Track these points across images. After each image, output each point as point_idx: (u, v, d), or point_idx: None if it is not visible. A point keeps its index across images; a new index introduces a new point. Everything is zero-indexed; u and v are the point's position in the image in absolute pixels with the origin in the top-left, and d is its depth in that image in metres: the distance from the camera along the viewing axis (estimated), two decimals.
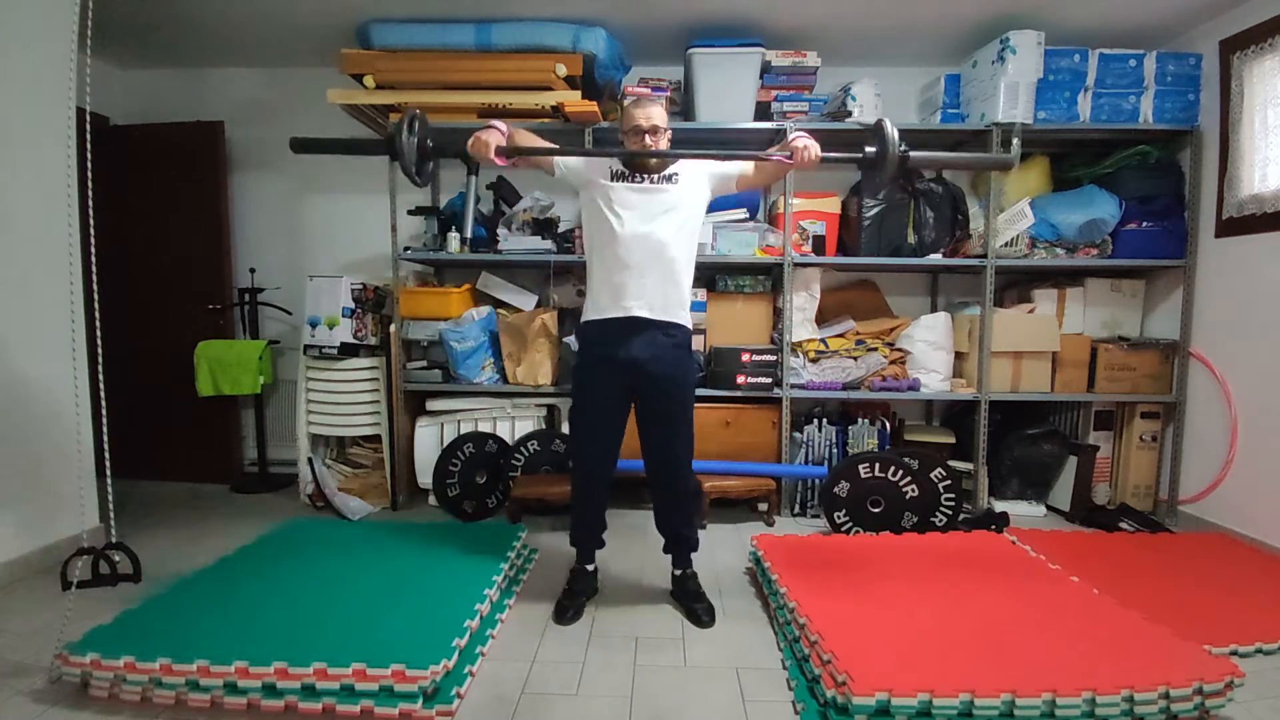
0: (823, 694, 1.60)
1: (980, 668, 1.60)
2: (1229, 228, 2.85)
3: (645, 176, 2.01)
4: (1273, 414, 2.65)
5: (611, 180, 2.01)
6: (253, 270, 3.53)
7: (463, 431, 3.16)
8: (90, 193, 2.05)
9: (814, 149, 1.92)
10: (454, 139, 1.97)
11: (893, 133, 1.82)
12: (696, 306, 3.08)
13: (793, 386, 3.07)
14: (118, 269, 3.42)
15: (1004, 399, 3.13)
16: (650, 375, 2.01)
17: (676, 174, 2.02)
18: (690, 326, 2.11)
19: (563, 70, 2.87)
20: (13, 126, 2.34)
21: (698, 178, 2.06)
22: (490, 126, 1.96)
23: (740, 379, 3.04)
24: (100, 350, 2.14)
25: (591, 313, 2.08)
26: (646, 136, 1.97)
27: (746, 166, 2.10)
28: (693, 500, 2.22)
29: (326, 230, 3.70)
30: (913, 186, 3.09)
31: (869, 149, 1.89)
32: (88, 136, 2.00)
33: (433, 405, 3.22)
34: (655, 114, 2.00)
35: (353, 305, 3.19)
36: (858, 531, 2.71)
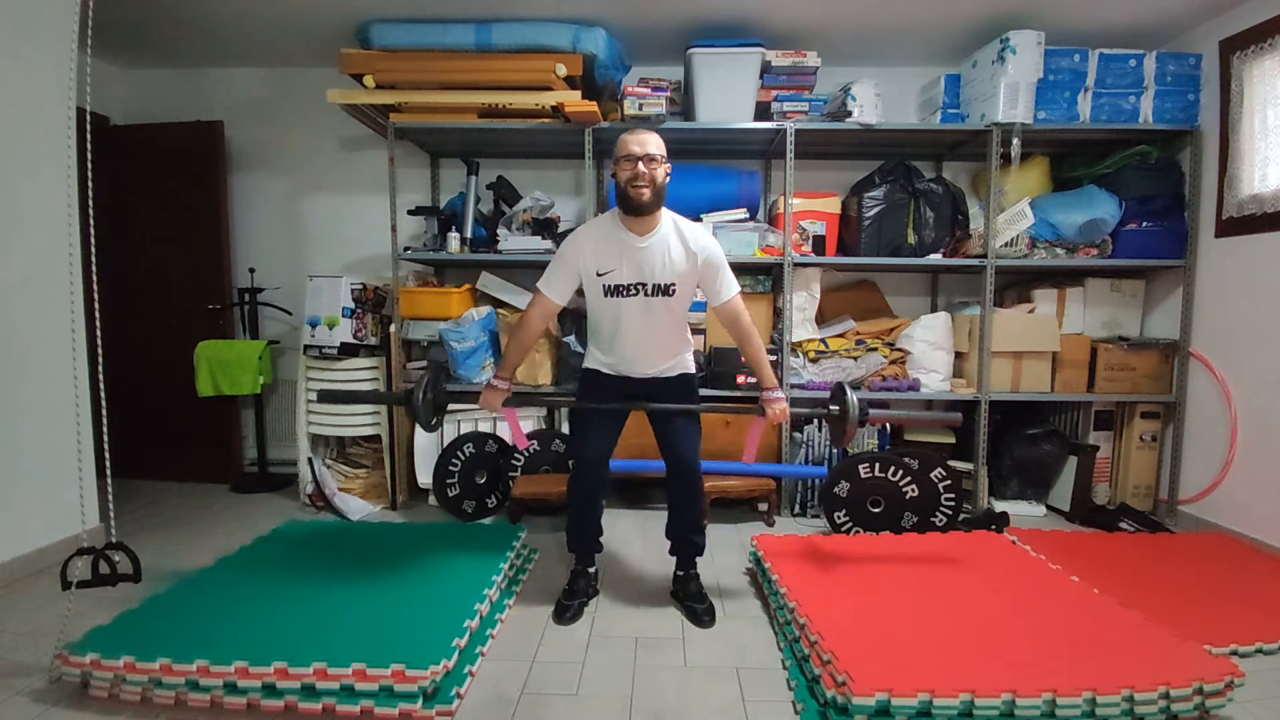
0: (823, 694, 1.60)
1: (980, 668, 1.60)
2: (1229, 228, 2.85)
3: (639, 289, 1.94)
4: (1273, 414, 2.65)
5: (606, 296, 1.97)
6: (253, 270, 3.52)
7: (463, 431, 3.15)
8: (90, 193, 2.05)
9: (786, 415, 2.03)
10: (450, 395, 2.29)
11: (852, 397, 2.02)
12: (697, 306, 3.07)
13: (793, 386, 3.07)
14: (118, 269, 3.43)
15: (1004, 399, 3.13)
16: (653, 398, 2.09)
17: (674, 285, 1.95)
18: (692, 364, 2.16)
19: (563, 70, 2.86)
20: (13, 126, 2.34)
21: (692, 278, 1.98)
22: (493, 386, 2.04)
23: (740, 379, 3.05)
24: (100, 350, 2.13)
25: (594, 362, 2.14)
26: (640, 164, 1.84)
27: (727, 303, 2.00)
28: (699, 505, 2.23)
29: (326, 230, 3.70)
30: (913, 186, 3.09)
31: (832, 406, 2.11)
32: (88, 136, 2.00)
33: None
34: (650, 141, 1.88)
35: (353, 305, 3.19)
36: (858, 531, 2.71)
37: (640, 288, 1.95)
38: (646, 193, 1.85)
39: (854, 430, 2.03)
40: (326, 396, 2.23)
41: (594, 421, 2.12)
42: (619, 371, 2.11)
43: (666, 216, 1.98)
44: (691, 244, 1.95)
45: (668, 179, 1.92)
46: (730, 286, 2.01)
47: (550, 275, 2.02)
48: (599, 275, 1.96)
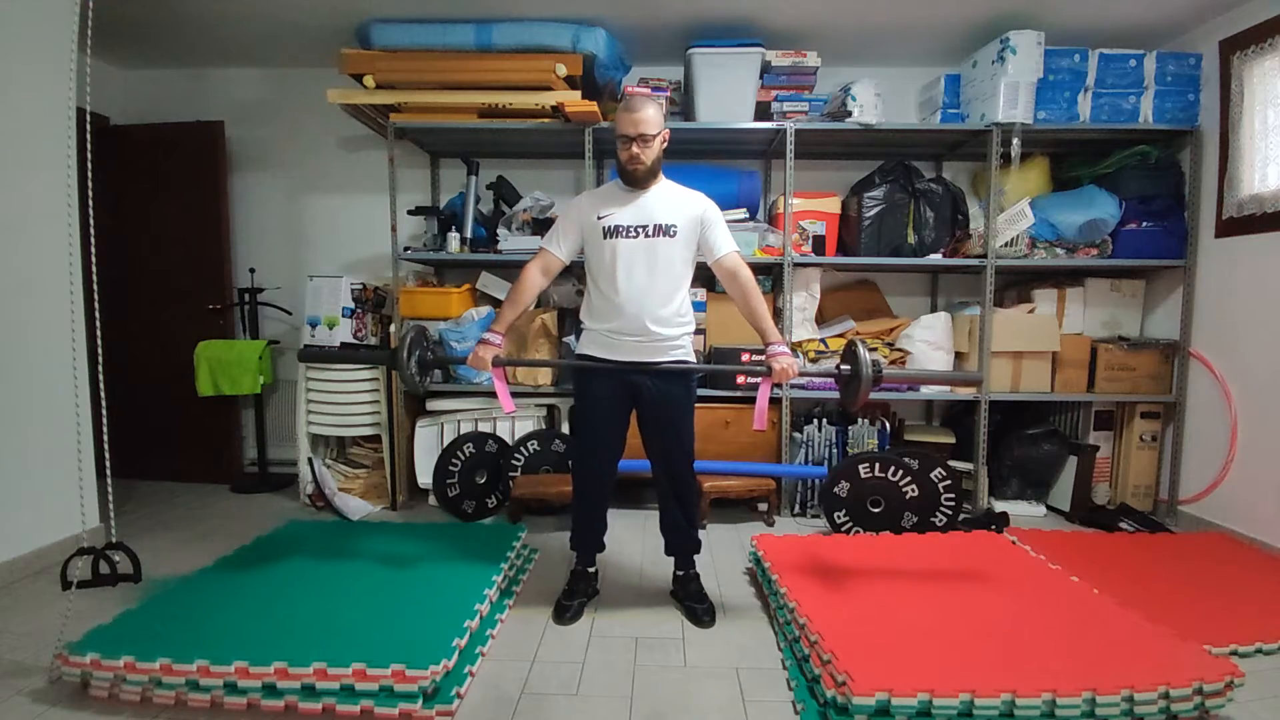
0: (823, 694, 1.60)
1: (980, 668, 1.60)
2: (1229, 228, 2.85)
3: (640, 231, 1.95)
4: (1273, 414, 2.65)
5: (606, 238, 1.97)
6: (253, 270, 3.53)
7: (463, 431, 3.16)
8: (90, 193, 2.05)
9: (793, 370, 1.92)
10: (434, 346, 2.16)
11: (865, 355, 1.89)
12: (697, 306, 3.08)
13: (793, 386, 3.07)
14: (118, 269, 3.43)
15: (1004, 399, 3.13)
16: (649, 391, 2.03)
17: (675, 226, 1.96)
18: (689, 340, 2.09)
19: (563, 70, 2.86)
20: (13, 127, 2.34)
21: (693, 232, 2.00)
22: (485, 341, 2.00)
23: (740, 379, 3.05)
24: (100, 350, 2.14)
25: (589, 345, 2.08)
26: (634, 145, 1.89)
27: (725, 257, 2.00)
28: (695, 501, 2.22)
29: (326, 230, 3.70)
30: (913, 186, 3.09)
31: (844, 367, 1.97)
32: (88, 136, 2.00)
33: (433, 405, 3.21)
34: (644, 119, 1.88)
35: (353, 305, 3.19)
36: (858, 531, 2.71)
37: (641, 230, 1.95)
38: (640, 169, 1.94)
39: (868, 391, 1.89)
40: (308, 354, 2.20)
41: (599, 420, 2.09)
42: (615, 351, 2.01)
43: (666, 181, 2.05)
44: (691, 195, 2.04)
45: (664, 145, 1.98)
46: (729, 241, 2.03)
47: (552, 232, 2.07)
48: (599, 219, 1.98)
